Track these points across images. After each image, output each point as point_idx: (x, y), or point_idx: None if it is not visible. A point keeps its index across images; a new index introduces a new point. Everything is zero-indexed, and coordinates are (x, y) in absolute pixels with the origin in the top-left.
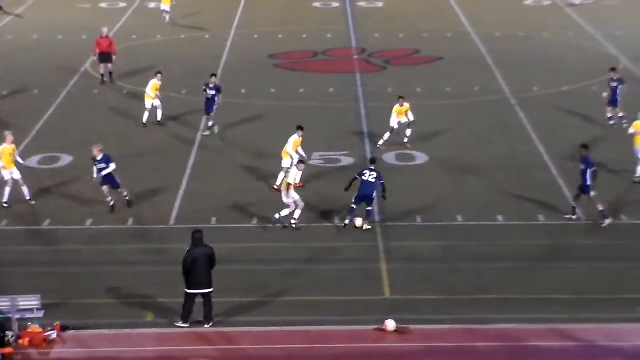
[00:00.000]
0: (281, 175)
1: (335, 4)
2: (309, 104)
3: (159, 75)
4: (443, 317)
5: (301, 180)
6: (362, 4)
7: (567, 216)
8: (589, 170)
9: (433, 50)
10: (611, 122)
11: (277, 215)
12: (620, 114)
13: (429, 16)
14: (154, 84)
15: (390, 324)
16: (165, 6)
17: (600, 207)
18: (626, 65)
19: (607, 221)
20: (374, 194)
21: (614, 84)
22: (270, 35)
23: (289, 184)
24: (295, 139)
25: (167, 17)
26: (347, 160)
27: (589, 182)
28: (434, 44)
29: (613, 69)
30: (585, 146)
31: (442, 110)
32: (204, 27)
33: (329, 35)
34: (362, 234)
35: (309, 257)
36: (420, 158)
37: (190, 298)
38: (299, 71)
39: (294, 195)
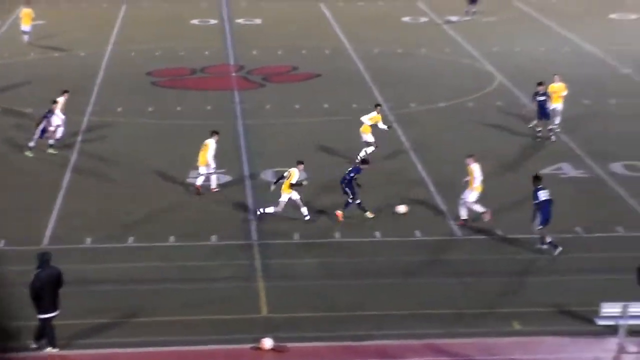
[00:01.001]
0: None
1: (213, 21)
2: (187, 122)
3: (66, 94)
4: (321, 335)
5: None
6: (241, 21)
7: (538, 246)
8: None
9: (311, 67)
10: (539, 135)
11: (260, 211)
12: (550, 127)
13: (307, 33)
14: (63, 102)
15: (267, 342)
16: (25, 27)
17: (548, 239)
18: (501, 81)
19: (558, 249)
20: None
21: (542, 98)
22: (147, 53)
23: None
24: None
25: (27, 37)
26: (224, 178)
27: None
28: (312, 61)
29: (540, 83)
30: (536, 177)
31: (320, 126)
32: (79, 44)
33: (206, 53)
34: (240, 251)
35: (184, 276)
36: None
37: (44, 322)
38: (177, 89)
39: (286, 198)
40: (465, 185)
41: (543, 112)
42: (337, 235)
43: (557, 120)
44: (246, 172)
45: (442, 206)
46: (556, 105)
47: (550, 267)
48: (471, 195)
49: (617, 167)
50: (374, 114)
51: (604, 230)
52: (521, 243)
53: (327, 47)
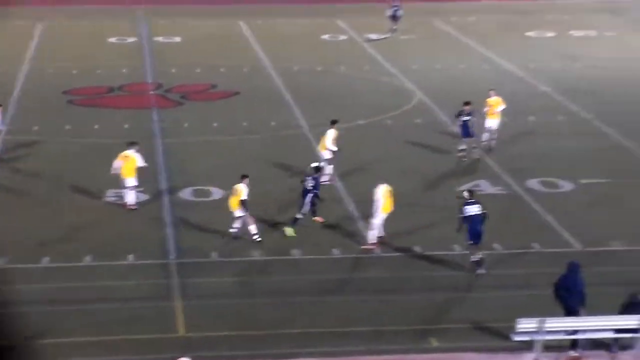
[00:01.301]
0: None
1: (131, 39)
2: (104, 141)
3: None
4: (240, 354)
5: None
6: (159, 38)
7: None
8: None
9: (230, 85)
10: (461, 154)
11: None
12: (474, 145)
13: (226, 51)
14: None
15: None
16: None
17: (477, 257)
18: (421, 98)
19: (481, 271)
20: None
21: (466, 118)
22: (64, 71)
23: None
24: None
25: None
26: (141, 197)
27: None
28: (231, 79)
29: (467, 103)
30: (469, 192)
31: (239, 144)
32: None
33: (124, 71)
34: (157, 270)
35: (101, 296)
36: (216, 193)
37: None
38: (94, 107)
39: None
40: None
41: (466, 132)
42: (256, 253)
43: (486, 136)
44: (164, 190)
45: (361, 224)
46: (492, 120)
47: (468, 283)
48: (377, 218)
49: (533, 183)
50: (332, 131)
51: (521, 246)
52: (439, 260)
53: (246, 64)
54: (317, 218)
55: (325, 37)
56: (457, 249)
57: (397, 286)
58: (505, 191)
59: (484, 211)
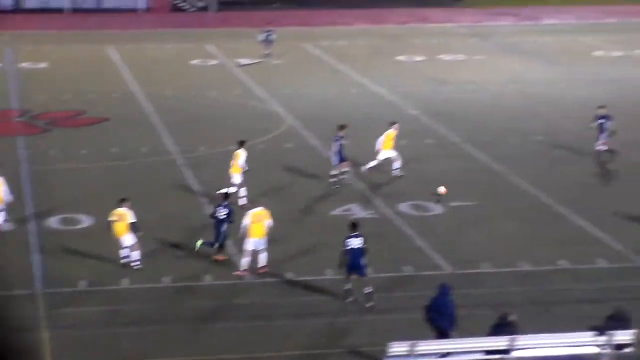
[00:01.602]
0: None
1: None
2: None
3: None
4: None
5: None
6: (25, 64)
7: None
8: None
9: (99, 111)
10: (333, 179)
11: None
12: (346, 169)
13: (95, 77)
14: None
15: None
16: None
17: (347, 286)
18: (291, 123)
19: (349, 299)
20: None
21: (343, 142)
22: None
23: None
24: None
25: None
26: (5, 226)
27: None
28: (99, 105)
29: (341, 127)
30: (352, 224)
31: (107, 172)
32: None
33: None
34: (22, 301)
35: None
36: (85, 221)
37: None
38: None
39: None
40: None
41: (340, 157)
42: (125, 281)
43: (372, 164)
44: (31, 218)
45: (234, 250)
46: (386, 151)
47: (340, 308)
48: (247, 244)
49: (404, 207)
50: (242, 151)
51: (393, 270)
52: (311, 285)
53: (116, 90)
54: (218, 256)
55: (195, 62)
56: (329, 274)
57: (269, 312)
58: (377, 215)
59: (365, 245)
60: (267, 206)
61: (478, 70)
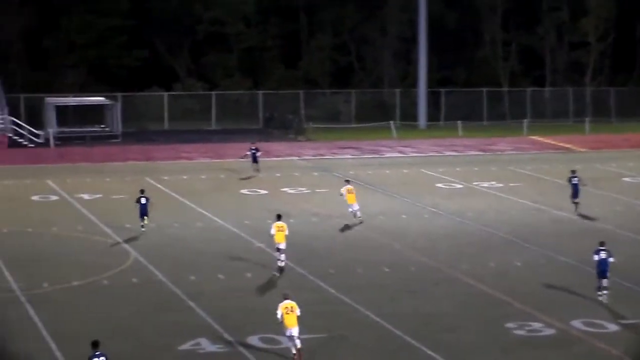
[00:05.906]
0: None
1: None
2: None
3: None
4: None
5: None
6: None
7: None
8: None
9: None
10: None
11: None
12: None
13: None
14: None
15: None
16: None
17: None
18: (136, 257)
19: None
20: None
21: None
22: None
23: None
24: None
25: None
26: None
27: None
28: None
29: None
30: None
31: None
32: None
33: None
34: None
35: None
36: None
37: None
38: None
39: None
40: None
41: None
42: None
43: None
44: None
45: None
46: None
47: None
48: None
49: (254, 340)
50: None
51: None
52: None
53: None
54: None
55: (36, 197)
56: None
57: None
58: (227, 349)
59: None
60: (110, 343)
61: (321, 202)
